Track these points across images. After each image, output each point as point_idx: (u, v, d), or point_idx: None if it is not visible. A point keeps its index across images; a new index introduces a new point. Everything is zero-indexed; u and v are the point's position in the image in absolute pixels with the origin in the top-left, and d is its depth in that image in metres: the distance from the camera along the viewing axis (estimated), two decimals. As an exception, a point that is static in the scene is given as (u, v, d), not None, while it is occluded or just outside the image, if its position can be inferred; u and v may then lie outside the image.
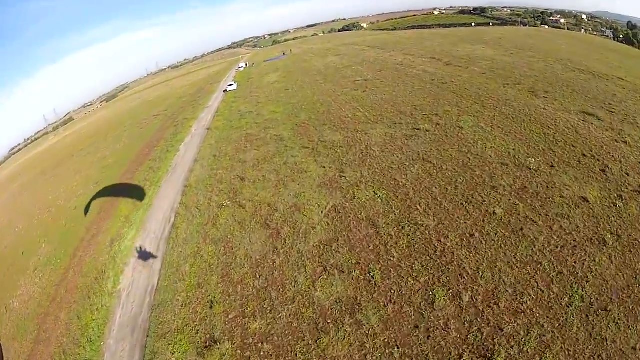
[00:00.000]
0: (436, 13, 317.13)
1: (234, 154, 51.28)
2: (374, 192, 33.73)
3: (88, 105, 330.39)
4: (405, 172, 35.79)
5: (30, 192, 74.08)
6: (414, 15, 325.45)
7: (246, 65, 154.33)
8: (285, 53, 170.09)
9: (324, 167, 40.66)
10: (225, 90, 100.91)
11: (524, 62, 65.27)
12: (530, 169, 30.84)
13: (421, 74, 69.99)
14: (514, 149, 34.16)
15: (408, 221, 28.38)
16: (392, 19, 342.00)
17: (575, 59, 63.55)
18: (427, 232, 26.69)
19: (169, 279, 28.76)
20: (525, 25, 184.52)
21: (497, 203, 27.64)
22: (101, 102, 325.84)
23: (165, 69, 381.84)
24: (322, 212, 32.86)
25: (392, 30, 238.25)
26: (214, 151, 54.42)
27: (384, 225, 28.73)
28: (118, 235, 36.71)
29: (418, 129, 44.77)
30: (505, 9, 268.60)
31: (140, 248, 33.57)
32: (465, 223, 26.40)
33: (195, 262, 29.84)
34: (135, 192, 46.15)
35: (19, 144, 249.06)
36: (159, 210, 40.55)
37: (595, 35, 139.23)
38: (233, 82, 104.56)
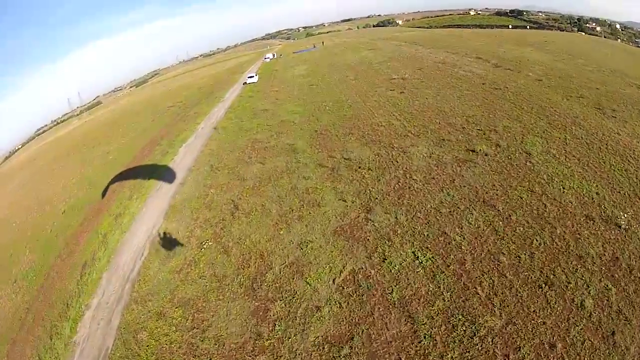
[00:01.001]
0: (472, 13, 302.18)
1: (234, 166, 40.48)
2: (413, 253, 22.62)
3: (118, 90, 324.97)
4: (459, 221, 24.63)
5: (35, 182, 68.12)
6: (450, 15, 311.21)
7: (273, 56, 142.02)
8: (315, 45, 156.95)
9: (345, 201, 29.54)
10: (245, 82, 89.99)
11: (578, 71, 54.54)
12: (620, 227, 21.57)
13: (469, 76, 57.99)
14: (597, 194, 24.84)
15: (462, 316, 18.14)
16: (428, 17, 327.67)
17: (630, 72, 53.06)
18: (489, 338, 16.85)
19: (124, 346, 21.22)
20: (562, 30, 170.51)
21: (585, 287, 18.35)
22: (131, 87, 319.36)
23: (197, 57, 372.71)
24: (333, 280, 21.94)
25: (428, 28, 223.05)
26: (213, 160, 43.72)
27: (425, 320, 18.34)
28: (91, 259, 30.41)
29: (473, 151, 33.22)
30: (540, 14, 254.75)
31: (103, 292, 26.24)
32: (545, 324, 16.94)
33: (156, 330, 21.49)
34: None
35: (46, 124, 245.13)
36: (135, 236, 32.01)
37: (631, 45, 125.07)
38: (254, 75, 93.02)
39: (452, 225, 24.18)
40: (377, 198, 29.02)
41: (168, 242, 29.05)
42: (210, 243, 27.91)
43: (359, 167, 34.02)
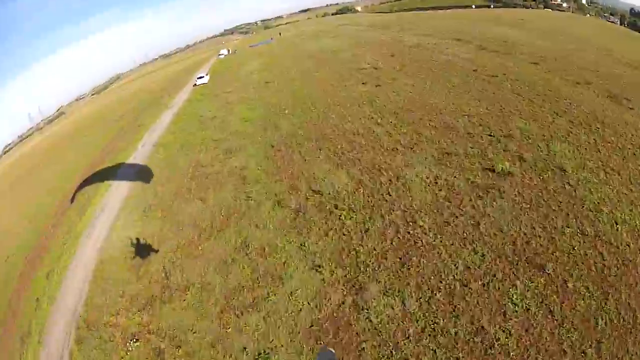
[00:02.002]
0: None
1: (169, 204, 28.98)
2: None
3: (81, 98, 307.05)
4: (500, 302, 15.25)
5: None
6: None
7: (228, 52, 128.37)
8: (272, 37, 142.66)
9: (320, 272, 18.90)
10: (195, 84, 76.84)
11: (567, 51, 45.73)
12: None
13: (455, 61, 46.93)
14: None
15: None
16: (388, 2, 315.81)
17: (615, 48, 46.39)
18: None
19: None
20: (528, 7, 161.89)
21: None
22: (92, 94, 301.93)
23: (156, 58, 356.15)
24: None
25: (389, 12, 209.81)
26: (147, 194, 31.84)
27: None
28: (28, 328, 21.34)
29: (493, 171, 22.88)
30: None
31: None
32: None
33: None
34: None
35: (12, 141, 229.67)
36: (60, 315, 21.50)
37: (601, 19, 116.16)
38: (204, 74, 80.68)
39: (490, 313, 14.73)
40: (369, 265, 18.29)
41: (90, 339, 19.00)
42: (137, 343, 17.76)
43: (335, 207, 23.00)
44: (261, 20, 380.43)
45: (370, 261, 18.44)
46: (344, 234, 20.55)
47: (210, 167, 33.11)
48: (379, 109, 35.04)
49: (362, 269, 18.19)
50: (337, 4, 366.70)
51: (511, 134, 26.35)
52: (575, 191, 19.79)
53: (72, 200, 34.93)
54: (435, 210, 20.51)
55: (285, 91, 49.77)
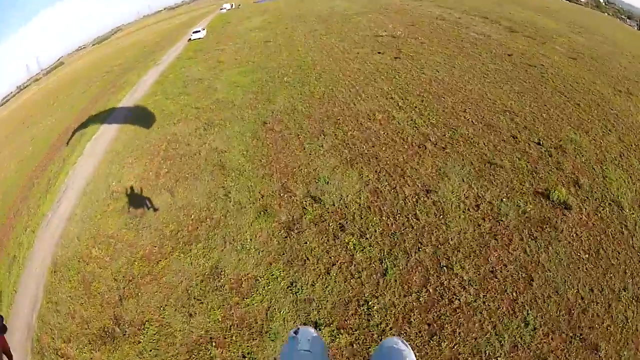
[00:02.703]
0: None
1: (130, 196, 22.35)
2: None
3: (82, 48, 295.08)
4: None
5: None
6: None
7: (231, 6, 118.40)
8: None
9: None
10: (190, 38, 68.87)
11: (603, 51, 37.29)
12: None
13: (485, 41, 39.13)
14: None
15: None
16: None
17: None
18: None
19: None
20: None
21: None
22: (93, 45, 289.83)
23: (160, 10, 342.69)
24: None
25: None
26: (112, 177, 25.08)
27: None
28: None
29: (547, 197, 16.78)
30: None
31: None
32: None
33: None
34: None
35: (10, 92, 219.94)
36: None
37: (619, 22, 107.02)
38: (200, 29, 71.91)
39: None
40: (384, 331, 11.94)
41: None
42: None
43: (341, 228, 16.32)
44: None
45: (387, 324, 12.15)
46: (352, 275, 13.63)
47: (186, 145, 26.09)
48: (400, 88, 27.81)
49: (375, 335, 11.91)
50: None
51: (562, 146, 20.00)
52: (633, 237, 14.54)
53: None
54: (478, 251, 14.13)
55: (287, 54, 42.03)
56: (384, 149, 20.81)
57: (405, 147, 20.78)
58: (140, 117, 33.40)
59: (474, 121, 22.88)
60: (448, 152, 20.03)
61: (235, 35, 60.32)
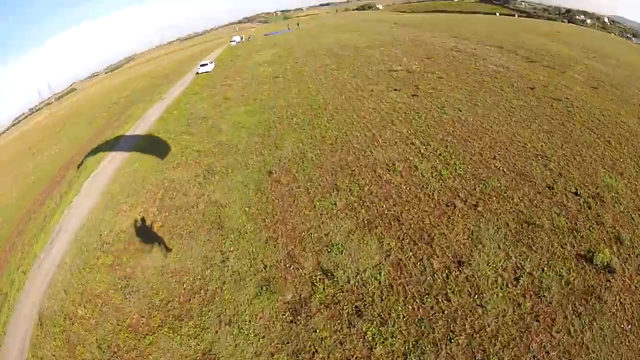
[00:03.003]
0: (456, 0, 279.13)
1: (121, 252, 20.24)
2: None
3: (95, 75, 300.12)
4: None
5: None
6: (433, 0, 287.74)
7: (241, 39, 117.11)
8: (290, 27, 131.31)
9: None
10: (198, 72, 66.34)
11: (622, 77, 33.86)
12: None
13: (504, 73, 36.22)
14: None
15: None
16: (409, 2, 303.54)
17: None
18: None
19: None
20: (552, 20, 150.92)
21: None
22: (106, 72, 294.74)
23: (173, 41, 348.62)
24: None
25: (411, 13, 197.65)
26: (104, 224, 23.08)
27: None
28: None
29: (590, 261, 14.03)
30: (523, 3, 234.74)
31: None
32: None
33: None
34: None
35: (23, 113, 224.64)
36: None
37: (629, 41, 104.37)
38: (208, 62, 69.86)
39: None
40: None
41: None
42: None
43: (358, 313, 13.78)
44: (281, 11, 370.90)
45: None
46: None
47: (183, 195, 23.79)
48: (421, 131, 25.18)
49: None
50: (359, 0, 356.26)
51: (599, 194, 17.40)
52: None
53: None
54: (518, 338, 11.85)
55: (296, 91, 39.63)
56: (407, 208, 17.84)
57: (432, 205, 17.78)
58: (141, 156, 31.49)
59: (505, 170, 20.01)
60: (480, 212, 17.12)
61: (244, 69, 58.42)
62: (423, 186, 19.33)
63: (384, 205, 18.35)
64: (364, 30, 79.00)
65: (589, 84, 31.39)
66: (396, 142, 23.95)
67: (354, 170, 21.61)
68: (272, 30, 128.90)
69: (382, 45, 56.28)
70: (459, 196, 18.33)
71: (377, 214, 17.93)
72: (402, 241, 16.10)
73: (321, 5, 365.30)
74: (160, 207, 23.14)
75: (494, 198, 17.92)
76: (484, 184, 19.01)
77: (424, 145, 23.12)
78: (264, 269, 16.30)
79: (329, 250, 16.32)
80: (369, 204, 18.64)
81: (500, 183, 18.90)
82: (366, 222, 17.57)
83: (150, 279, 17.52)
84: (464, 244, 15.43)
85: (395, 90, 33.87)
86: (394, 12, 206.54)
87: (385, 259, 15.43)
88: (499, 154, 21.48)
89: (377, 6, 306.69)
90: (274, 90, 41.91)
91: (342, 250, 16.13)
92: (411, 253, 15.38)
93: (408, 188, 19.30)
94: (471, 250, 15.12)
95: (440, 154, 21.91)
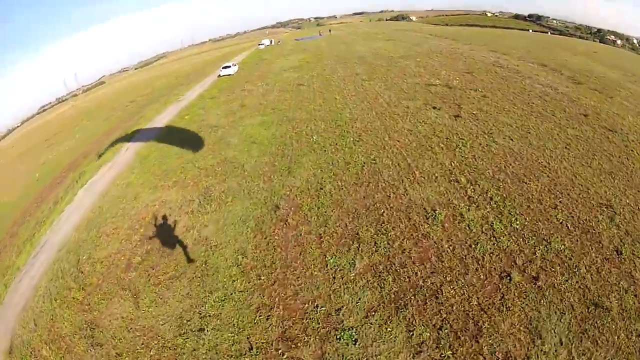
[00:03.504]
0: (489, 15, 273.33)
1: (89, 295, 16.05)
2: None
3: (124, 70, 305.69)
4: None
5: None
6: (467, 14, 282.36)
7: (271, 42, 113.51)
8: (322, 33, 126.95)
9: None
10: (220, 74, 63.14)
11: None
12: None
13: (553, 95, 31.66)
14: None
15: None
16: (443, 15, 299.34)
17: None
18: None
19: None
20: (584, 39, 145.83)
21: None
22: (135, 68, 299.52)
23: (205, 41, 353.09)
24: None
25: (445, 25, 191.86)
26: (84, 249, 19.41)
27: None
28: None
29: None
30: (555, 21, 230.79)
31: None
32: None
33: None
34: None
35: (50, 102, 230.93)
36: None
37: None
38: (231, 64, 65.83)
39: None
40: None
41: None
42: None
43: None
44: (314, 18, 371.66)
45: None
46: None
47: (172, 225, 19.64)
48: (467, 164, 20.37)
49: None
50: (392, 10, 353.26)
51: None
52: None
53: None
54: None
55: (321, 102, 35.16)
56: (449, 279, 13.04)
57: (482, 276, 13.02)
58: (140, 166, 28.49)
59: (569, 226, 15.42)
60: (542, 288, 12.67)
61: (268, 74, 54.16)
62: (471, 246, 14.39)
63: (419, 273, 13.48)
64: (398, 40, 74.24)
65: (639, 112, 27.64)
66: (437, 178, 19.02)
67: (382, 215, 16.76)
68: (304, 36, 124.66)
69: (418, 56, 51.51)
70: (515, 263, 13.61)
71: (408, 285, 13.14)
72: (440, 331, 11.44)
73: (355, 14, 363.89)
74: (144, 236, 19.11)
75: (558, 267, 13.44)
76: (546, 245, 14.45)
77: (472, 184, 18.13)
78: (249, 351, 11.75)
79: (339, 336, 11.72)
80: (398, 269, 13.81)
81: (565, 245, 14.36)
82: (393, 296, 12.83)
83: (116, 333, 13.72)
84: (519, 340, 10.99)
85: (434, 108, 29.06)
86: (427, 24, 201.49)
87: (413, 357, 10.44)
88: (560, 202, 16.78)
89: (411, 17, 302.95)
90: (296, 99, 37.32)
91: (356, 340, 11.47)
92: (450, 352, 10.48)
93: (452, 248, 14.39)
94: (527, 349, 10.80)
95: (491, 198, 16.96)
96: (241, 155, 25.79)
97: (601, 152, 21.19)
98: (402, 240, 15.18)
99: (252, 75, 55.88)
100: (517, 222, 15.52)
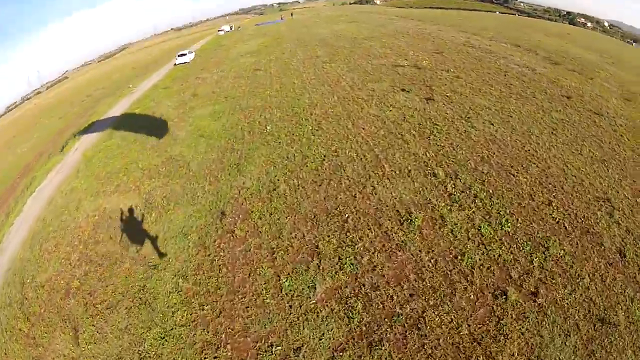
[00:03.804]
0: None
1: (27, 330, 13.27)
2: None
3: (88, 64, 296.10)
4: None
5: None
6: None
7: (231, 28, 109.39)
8: (283, 17, 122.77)
9: None
10: (175, 63, 59.45)
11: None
12: None
13: (532, 76, 28.80)
14: None
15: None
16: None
17: None
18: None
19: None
20: (553, 21, 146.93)
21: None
22: (98, 61, 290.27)
23: (167, 31, 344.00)
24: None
25: (410, 8, 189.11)
26: (16, 292, 15.66)
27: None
28: None
29: None
30: (522, 4, 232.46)
31: None
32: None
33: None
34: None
35: (15, 102, 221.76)
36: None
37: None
38: (187, 52, 62.12)
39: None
40: None
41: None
42: None
43: None
44: (277, 3, 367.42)
45: None
46: None
47: (111, 240, 16.82)
48: (444, 154, 17.91)
49: None
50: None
51: None
52: None
53: None
54: None
55: (278, 88, 32.03)
56: (432, 302, 10.29)
57: (472, 297, 10.50)
58: (85, 168, 25.78)
59: (567, 226, 13.09)
60: (542, 306, 10.46)
61: (225, 60, 50.62)
62: (457, 257, 11.73)
63: (396, 297, 10.77)
64: (362, 22, 70.99)
65: (622, 95, 26.02)
66: (410, 172, 16.14)
67: (346, 221, 13.87)
68: (265, 21, 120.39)
69: (383, 37, 48.44)
70: (510, 277, 11.27)
71: (383, 313, 10.42)
72: None
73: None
74: (82, 255, 16.35)
75: (559, 278, 11.20)
76: (544, 252, 12.08)
77: (452, 178, 15.37)
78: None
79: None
80: (369, 292, 11.06)
81: (564, 250, 12.08)
82: (364, 328, 10.21)
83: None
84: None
85: (403, 90, 26.21)
86: (392, 6, 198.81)
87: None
88: (554, 197, 14.43)
89: (375, 1, 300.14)
90: (251, 85, 34.05)
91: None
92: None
93: (434, 261, 11.65)
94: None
95: (476, 195, 14.26)
96: (188, 152, 22.61)
97: (590, 138, 18.96)
98: (372, 253, 12.35)
99: (209, 62, 52.31)
100: (509, 224, 12.92)
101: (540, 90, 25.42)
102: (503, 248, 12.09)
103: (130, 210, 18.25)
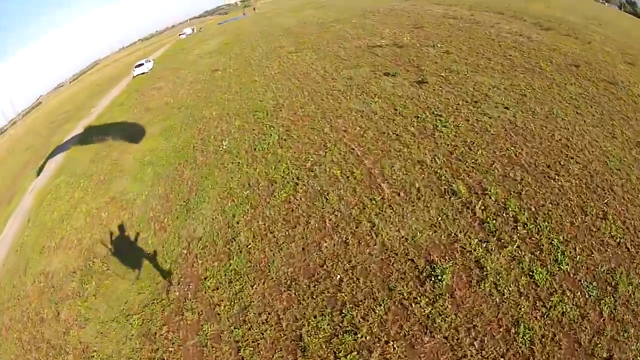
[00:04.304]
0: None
1: None
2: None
3: (60, 86, 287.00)
4: None
5: None
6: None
7: (193, 31, 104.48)
8: (245, 13, 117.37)
9: None
10: (134, 75, 53.90)
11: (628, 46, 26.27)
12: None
13: (529, 44, 24.49)
14: None
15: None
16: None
17: None
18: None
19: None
20: None
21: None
22: (70, 82, 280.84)
23: (135, 41, 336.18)
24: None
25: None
26: None
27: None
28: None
29: None
30: None
31: None
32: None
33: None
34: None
35: None
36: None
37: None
38: (144, 61, 57.42)
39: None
40: None
41: None
42: None
43: None
44: (241, 1, 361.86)
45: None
46: None
47: (47, 322, 12.85)
48: (457, 157, 13.60)
49: None
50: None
51: None
52: None
53: None
54: None
55: (237, 90, 27.72)
56: None
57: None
58: (35, 217, 21.41)
59: (629, 246, 9.30)
60: None
61: (184, 64, 46.12)
62: (509, 330, 7.31)
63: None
64: (329, 6, 65.98)
65: (624, 59, 22.88)
66: (419, 191, 11.43)
67: (340, 289, 9.31)
68: (227, 18, 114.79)
69: (353, 17, 43.80)
70: (580, 345, 7.27)
71: None
72: None
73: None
74: (31, 337, 12.37)
75: (632, 329, 7.58)
76: (612, 293, 8.38)
77: (478, 195, 10.90)
78: None
79: None
80: None
81: (632, 283, 8.40)
82: None
83: None
84: None
85: (387, 75, 21.60)
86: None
87: None
88: (607, 205, 10.54)
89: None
90: (207, 90, 29.52)
91: None
92: None
93: (478, 344, 7.20)
94: None
95: (516, 219, 9.62)
96: (132, 187, 17.99)
97: (616, 115, 15.37)
98: (386, 343, 7.59)
99: (166, 69, 47.48)
100: (566, 260, 8.51)
101: (544, 60, 21.39)
102: (566, 301, 7.58)
103: (72, 275, 13.80)
